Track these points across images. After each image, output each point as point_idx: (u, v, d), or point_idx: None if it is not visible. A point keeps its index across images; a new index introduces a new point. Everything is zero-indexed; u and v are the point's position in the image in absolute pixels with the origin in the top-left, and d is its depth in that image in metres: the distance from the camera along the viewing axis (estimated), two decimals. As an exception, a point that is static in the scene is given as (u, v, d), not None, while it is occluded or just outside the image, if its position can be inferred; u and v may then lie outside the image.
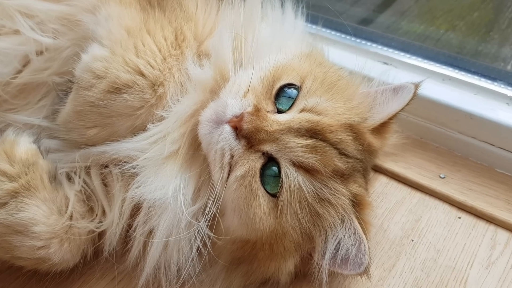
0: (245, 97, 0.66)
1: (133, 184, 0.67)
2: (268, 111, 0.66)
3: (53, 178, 0.69)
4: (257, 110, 0.65)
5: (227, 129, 0.64)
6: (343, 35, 1.09)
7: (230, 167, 0.65)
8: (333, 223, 0.65)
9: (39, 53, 0.75)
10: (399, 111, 0.74)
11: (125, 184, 0.70)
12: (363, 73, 0.80)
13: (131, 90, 0.66)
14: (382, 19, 1.33)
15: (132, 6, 0.72)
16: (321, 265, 0.67)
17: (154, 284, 0.69)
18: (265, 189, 0.64)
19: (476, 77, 0.96)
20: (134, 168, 0.67)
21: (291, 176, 0.63)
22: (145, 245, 0.69)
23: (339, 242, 0.65)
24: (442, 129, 0.95)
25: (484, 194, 0.88)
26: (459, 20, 1.38)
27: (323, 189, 0.64)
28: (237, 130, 0.64)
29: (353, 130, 0.68)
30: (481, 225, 0.84)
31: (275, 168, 0.64)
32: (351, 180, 0.68)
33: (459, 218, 0.85)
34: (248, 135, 0.63)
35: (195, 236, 0.67)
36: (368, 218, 0.70)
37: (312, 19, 0.91)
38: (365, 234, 0.65)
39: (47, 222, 0.64)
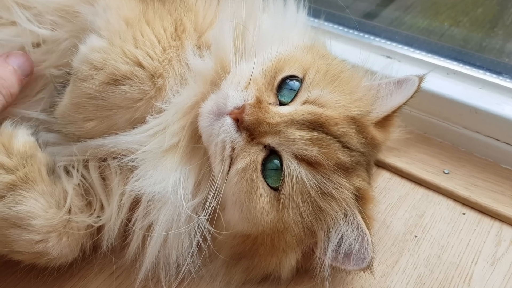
0: (246, 89, 0.65)
1: (132, 177, 0.66)
2: (270, 103, 0.65)
3: (52, 171, 0.68)
4: (258, 102, 0.63)
5: (228, 121, 0.63)
6: (345, 29, 1.08)
7: (231, 160, 0.64)
8: (335, 218, 0.64)
9: (36, 45, 0.74)
10: (403, 104, 0.73)
11: (124, 178, 0.68)
12: (366, 67, 0.78)
13: (130, 81, 0.65)
14: (386, 14, 1.32)
15: None
16: (323, 260, 0.65)
17: (153, 279, 0.68)
18: (266, 182, 0.63)
19: (481, 71, 0.95)
20: (133, 161, 0.66)
21: (293, 169, 0.62)
22: (144, 239, 0.67)
23: (341, 236, 0.64)
24: (446, 124, 0.94)
25: (489, 190, 0.86)
26: (463, 16, 1.36)
27: (326, 182, 0.63)
28: (239, 122, 0.62)
29: (357, 123, 0.67)
30: (486, 221, 0.83)
31: (276, 161, 0.63)
32: (354, 174, 0.66)
33: (464, 214, 0.84)
34: (249, 127, 0.62)
35: (195, 231, 0.66)
36: (372, 213, 0.69)
37: (314, 12, 0.89)
38: (368, 229, 0.64)
39: (45, 216, 0.63)
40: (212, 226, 0.65)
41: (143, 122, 0.68)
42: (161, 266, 0.67)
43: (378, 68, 0.79)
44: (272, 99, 0.66)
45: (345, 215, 0.64)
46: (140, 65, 0.65)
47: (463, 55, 1.00)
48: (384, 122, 0.73)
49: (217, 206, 0.64)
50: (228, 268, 0.70)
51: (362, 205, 0.66)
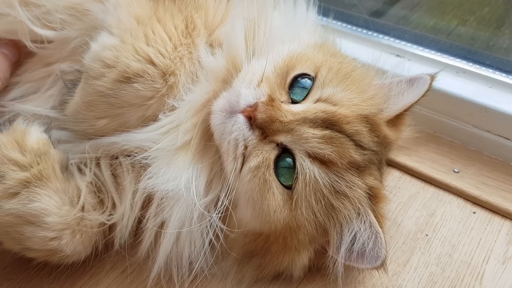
0: (259, 87, 0.65)
1: (145, 175, 0.65)
2: (282, 101, 0.65)
3: (65, 168, 0.68)
4: (271, 100, 0.63)
5: (240, 119, 0.63)
6: (354, 27, 1.08)
7: (244, 158, 0.63)
8: (348, 216, 0.64)
9: (46, 42, 0.74)
10: (415, 103, 0.73)
11: (136, 176, 0.68)
12: (376, 66, 0.78)
13: (141, 79, 0.65)
14: (393, 12, 1.31)
15: None
16: (336, 259, 0.65)
17: (165, 277, 0.68)
18: (279, 180, 0.63)
19: (490, 70, 0.95)
20: (146, 159, 0.66)
21: (306, 167, 0.62)
22: (156, 237, 0.67)
23: (354, 235, 0.64)
24: (456, 122, 0.94)
25: (499, 189, 0.86)
26: (469, 15, 1.36)
27: (339, 181, 0.63)
28: (251, 120, 0.62)
29: (369, 121, 0.67)
30: (497, 220, 0.82)
31: (289, 160, 0.63)
32: (366, 172, 0.66)
33: (474, 213, 0.84)
34: (262, 125, 0.62)
35: (208, 229, 0.66)
36: (384, 212, 0.69)
37: (323, 11, 0.89)
38: (381, 227, 0.64)
39: (59, 213, 0.63)
40: (224, 224, 0.65)
41: (154, 120, 0.68)
42: (173, 264, 0.67)
43: (388, 67, 0.79)
44: (284, 97, 0.66)
45: (358, 214, 0.64)
46: (152, 63, 0.65)
47: (472, 54, 1.00)
48: (395, 120, 0.73)
49: (229, 204, 0.64)
50: (240, 266, 0.69)
51: (375, 204, 0.66)
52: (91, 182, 0.69)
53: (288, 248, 0.66)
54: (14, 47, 0.74)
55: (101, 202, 0.70)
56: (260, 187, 0.62)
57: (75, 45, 0.74)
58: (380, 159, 0.70)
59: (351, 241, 0.64)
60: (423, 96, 0.73)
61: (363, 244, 0.63)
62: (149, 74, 0.65)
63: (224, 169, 0.66)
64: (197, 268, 0.67)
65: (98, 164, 0.71)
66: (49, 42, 0.74)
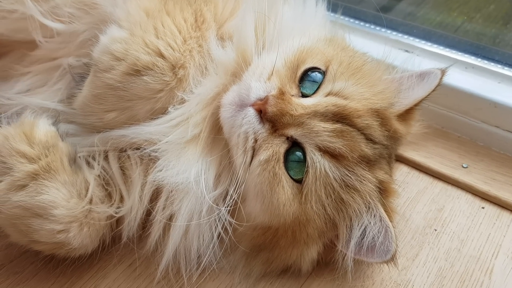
0: (269, 80, 0.64)
1: (155, 168, 0.65)
2: (292, 95, 0.65)
3: (73, 161, 0.68)
4: (281, 94, 0.63)
5: (251, 112, 0.63)
6: (362, 23, 1.07)
7: (253, 152, 0.63)
8: (358, 210, 0.63)
9: (53, 36, 0.74)
10: (426, 97, 0.73)
11: (145, 169, 0.68)
12: (385, 61, 0.78)
13: (151, 72, 0.64)
14: (400, 8, 1.31)
15: None
16: (345, 253, 0.65)
17: (173, 270, 0.68)
18: (289, 174, 0.62)
19: (499, 65, 0.94)
20: (155, 151, 0.65)
21: (317, 161, 0.62)
22: (165, 230, 0.67)
23: (364, 229, 0.63)
24: (464, 118, 0.93)
25: (508, 184, 0.86)
26: (476, 12, 1.35)
27: (349, 175, 0.63)
28: (262, 113, 0.62)
29: (380, 115, 0.66)
30: (506, 215, 0.82)
31: (299, 153, 0.63)
32: (377, 166, 0.66)
33: (483, 208, 0.83)
34: (272, 119, 0.62)
35: (216, 222, 0.65)
36: (393, 206, 0.68)
37: (332, 6, 0.89)
38: (391, 221, 0.64)
39: (67, 206, 0.62)
40: (233, 218, 0.65)
41: (163, 113, 0.68)
42: (182, 257, 0.67)
43: (397, 62, 0.79)
44: (294, 90, 0.66)
45: (368, 208, 0.64)
46: (162, 56, 0.65)
47: (481, 49, 0.99)
48: (406, 115, 0.73)
49: (238, 198, 0.64)
50: (248, 259, 0.69)
51: (385, 198, 0.66)
52: (99, 175, 0.69)
53: (297, 242, 0.66)
54: None
55: (109, 195, 0.70)
56: (270, 180, 0.62)
57: (83, 39, 0.74)
58: (390, 153, 0.70)
59: (360, 235, 0.64)
60: (433, 90, 0.72)
61: (373, 238, 0.63)
62: (158, 67, 0.64)
63: (233, 163, 0.66)
64: (205, 262, 0.67)
65: (106, 157, 0.71)
66: (58, 35, 0.74)
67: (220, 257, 0.69)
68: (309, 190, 0.62)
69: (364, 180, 0.63)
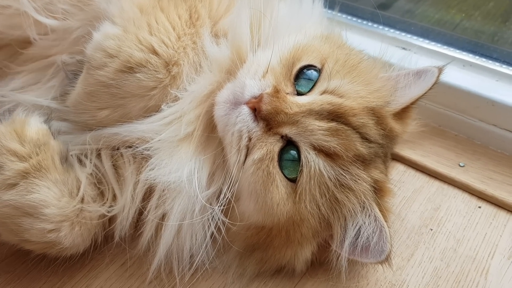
0: (264, 78, 0.64)
1: (147, 166, 0.64)
2: (287, 93, 0.64)
3: (64, 159, 0.67)
4: (276, 92, 0.62)
5: (245, 110, 0.62)
6: (360, 20, 1.06)
7: (247, 150, 0.63)
8: (353, 210, 0.63)
9: (46, 33, 0.73)
10: (422, 96, 0.72)
11: (138, 167, 0.67)
12: (382, 58, 0.77)
13: (144, 69, 0.64)
14: (398, 5, 1.30)
15: None
16: (340, 253, 0.64)
17: (166, 270, 0.67)
18: (283, 173, 0.62)
19: (497, 63, 0.94)
20: (148, 150, 0.65)
21: (311, 160, 0.61)
22: (157, 229, 0.67)
23: (359, 229, 0.63)
24: (462, 116, 0.93)
25: (505, 184, 0.85)
26: (474, 10, 1.35)
27: (344, 174, 0.62)
28: (256, 111, 0.61)
29: (375, 114, 0.65)
30: (502, 215, 0.82)
31: (293, 152, 0.62)
32: (372, 166, 0.65)
33: (479, 207, 0.83)
34: (267, 117, 0.61)
35: (209, 222, 0.65)
36: (389, 205, 0.68)
37: (329, 3, 0.88)
38: (386, 221, 0.63)
39: (58, 205, 0.62)
40: (226, 217, 0.64)
41: (157, 111, 0.67)
42: (174, 257, 0.66)
43: (394, 60, 0.78)
44: (289, 88, 0.65)
45: (363, 208, 0.63)
46: (155, 53, 0.64)
47: (479, 47, 0.98)
48: (402, 113, 0.72)
49: (232, 197, 0.63)
50: (241, 259, 0.69)
51: (380, 197, 0.65)
52: (91, 174, 0.68)
53: (291, 242, 0.65)
54: None
55: (101, 194, 0.69)
56: (264, 179, 0.61)
57: (77, 36, 0.73)
58: (385, 152, 0.69)
59: (355, 235, 0.63)
60: (430, 89, 0.72)
61: (367, 238, 0.62)
62: (152, 64, 0.64)
63: (227, 161, 0.65)
64: (198, 261, 0.66)
65: (99, 156, 0.70)
66: (52, 32, 0.73)
67: (213, 257, 0.68)
68: (303, 189, 0.61)
69: (359, 179, 0.63)
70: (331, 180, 0.61)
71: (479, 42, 1.03)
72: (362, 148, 0.63)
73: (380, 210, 0.63)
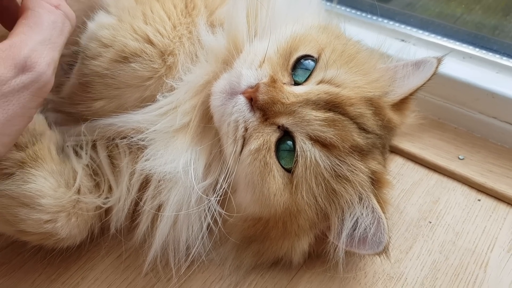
0: (260, 68, 0.63)
1: (142, 157, 0.64)
2: (284, 83, 0.63)
3: (61, 150, 0.66)
4: (273, 81, 0.61)
5: (241, 100, 0.61)
6: (358, 12, 1.05)
7: (244, 141, 0.62)
8: (350, 201, 0.62)
9: None
10: (421, 86, 0.71)
11: (133, 158, 0.67)
12: (380, 50, 0.76)
13: (139, 59, 0.63)
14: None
15: None
16: (337, 244, 0.64)
17: (162, 262, 0.66)
18: (280, 163, 0.61)
19: (498, 55, 0.93)
20: (143, 140, 0.64)
21: (307, 150, 0.60)
22: (153, 221, 0.66)
23: (356, 220, 0.62)
24: (461, 109, 0.92)
25: (505, 176, 0.85)
26: (475, 4, 1.34)
27: (341, 165, 0.61)
28: (252, 101, 0.61)
29: (373, 104, 0.65)
30: (502, 207, 0.81)
31: (290, 142, 0.61)
32: (369, 156, 0.64)
33: (479, 200, 0.82)
34: (263, 107, 0.60)
35: (206, 213, 0.64)
36: (387, 197, 0.67)
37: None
38: (383, 212, 0.62)
39: (54, 195, 0.61)
40: (223, 209, 0.63)
41: (153, 101, 0.66)
42: (170, 248, 0.66)
43: (392, 52, 0.77)
44: (286, 78, 0.64)
45: (360, 199, 0.62)
46: (150, 42, 0.63)
47: (479, 39, 0.97)
48: (400, 104, 0.71)
49: (228, 188, 0.63)
50: (238, 251, 0.68)
51: (378, 189, 0.64)
52: (87, 165, 0.68)
53: (288, 233, 0.65)
54: None
55: (98, 185, 0.68)
56: (261, 170, 0.61)
57: None
58: (383, 143, 0.68)
59: (352, 226, 0.62)
60: (429, 79, 0.71)
61: (365, 229, 0.62)
62: (147, 54, 0.63)
63: (224, 152, 0.64)
64: (194, 253, 0.65)
65: (94, 147, 0.69)
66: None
67: (209, 249, 0.67)
68: (300, 179, 0.61)
69: (355, 170, 0.62)
70: (327, 171, 0.60)
71: (479, 34, 1.02)
72: (359, 138, 0.62)
73: (377, 201, 0.63)
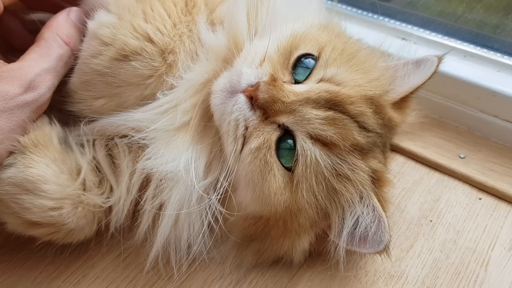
0: (261, 66, 0.63)
1: (143, 156, 0.64)
2: (284, 81, 0.63)
3: (63, 141, 0.67)
4: (273, 80, 0.61)
5: (241, 98, 0.61)
6: (359, 11, 1.05)
7: (244, 139, 0.62)
8: (351, 200, 0.62)
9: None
10: (422, 85, 0.71)
11: (134, 157, 0.67)
12: (381, 48, 0.76)
13: (140, 57, 0.63)
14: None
15: None
16: (338, 243, 0.64)
17: (163, 260, 0.66)
18: (280, 162, 0.61)
19: (499, 54, 0.93)
20: (143, 139, 0.64)
21: (307, 149, 0.60)
22: (154, 220, 0.66)
23: (357, 219, 0.62)
24: (462, 107, 0.92)
25: (505, 175, 0.84)
26: (476, 3, 1.33)
27: (341, 164, 0.61)
28: (253, 100, 0.60)
29: (374, 103, 0.65)
30: (503, 206, 0.81)
31: (290, 141, 0.61)
32: (370, 155, 0.64)
33: (480, 199, 0.82)
34: (263, 106, 0.60)
35: (206, 211, 0.64)
36: (387, 196, 0.67)
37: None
38: (384, 211, 0.62)
39: (57, 181, 0.61)
40: (223, 207, 0.63)
41: (153, 99, 0.66)
42: (171, 247, 0.66)
43: (393, 50, 0.77)
44: (287, 77, 0.64)
45: (361, 197, 0.62)
46: (150, 40, 0.63)
47: (480, 37, 0.97)
48: (401, 103, 0.71)
49: (229, 186, 0.63)
50: (239, 250, 0.68)
51: (378, 187, 0.64)
52: (91, 160, 0.68)
53: (289, 232, 0.65)
54: (81, 13, 0.70)
55: (102, 181, 0.68)
56: (261, 168, 0.61)
57: None
58: (384, 142, 0.68)
59: (353, 225, 0.62)
60: (430, 78, 0.71)
61: (365, 228, 0.62)
62: (147, 52, 0.63)
63: (224, 151, 0.64)
64: (195, 252, 0.65)
65: (94, 145, 0.69)
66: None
67: (210, 247, 0.67)
68: (300, 178, 0.61)
69: (356, 168, 0.62)
70: (328, 170, 0.60)
71: (480, 33, 1.02)
72: (359, 137, 0.62)
73: (378, 200, 0.63)
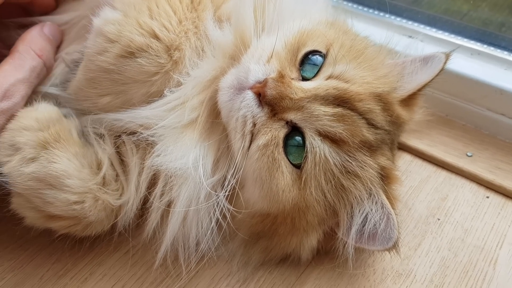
0: (268, 63, 0.62)
1: (152, 153, 0.63)
2: (292, 78, 0.63)
3: (81, 135, 0.67)
4: (281, 77, 0.61)
5: (249, 95, 0.61)
6: (365, 8, 1.05)
7: (252, 136, 0.61)
8: (359, 197, 0.62)
9: None
10: (429, 82, 0.70)
11: (142, 154, 0.67)
12: (388, 46, 0.76)
13: (145, 54, 0.62)
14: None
15: None
16: (346, 241, 0.63)
17: (171, 257, 0.66)
18: (288, 159, 0.61)
19: (506, 52, 0.92)
20: (152, 136, 0.64)
21: (316, 146, 0.60)
22: (163, 217, 0.66)
23: (366, 216, 0.62)
24: (469, 105, 0.91)
25: (513, 174, 0.84)
26: (481, 1, 1.33)
27: (350, 161, 0.61)
28: (260, 96, 0.60)
29: (382, 100, 0.64)
30: (511, 205, 0.80)
31: (298, 138, 0.61)
32: (379, 152, 0.64)
33: (487, 197, 0.82)
34: (271, 102, 0.60)
35: (214, 209, 0.64)
36: (396, 193, 0.66)
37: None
38: (393, 208, 0.62)
39: (79, 176, 0.62)
40: (231, 205, 0.63)
41: (159, 97, 0.66)
42: (180, 244, 0.65)
43: (400, 48, 0.76)
44: (294, 74, 0.64)
45: (369, 194, 0.62)
46: (156, 37, 0.63)
47: (487, 35, 0.97)
48: (409, 100, 0.71)
49: (236, 184, 0.62)
50: (246, 247, 0.68)
51: (387, 184, 0.64)
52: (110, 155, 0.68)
53: (296, 229, 0.64)
54: (58, 30, 0.74)
55: (117, 176, 0.68)
56: (269, 165, 0.60)
57: (80, 26, 0.72)
58: (392, 139, 0.68)
59: (362, 222, 0.62)
60: (437, 75, 0.70)
61: (374, 225, 0.61)
62: (153, 49, 0.62)
63: (232, 148, 0.64)
64: (203, 249, 0.65)
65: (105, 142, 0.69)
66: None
67: (218, 245, 0.67)
68: (309, 175, 0.60)
69: (365, 165, 0.61)
70: (337, 167, 0.60)
71: (487, 31, 1.01)
72: (368, 134, 0.62)
73: (387, 197, 0.62)
